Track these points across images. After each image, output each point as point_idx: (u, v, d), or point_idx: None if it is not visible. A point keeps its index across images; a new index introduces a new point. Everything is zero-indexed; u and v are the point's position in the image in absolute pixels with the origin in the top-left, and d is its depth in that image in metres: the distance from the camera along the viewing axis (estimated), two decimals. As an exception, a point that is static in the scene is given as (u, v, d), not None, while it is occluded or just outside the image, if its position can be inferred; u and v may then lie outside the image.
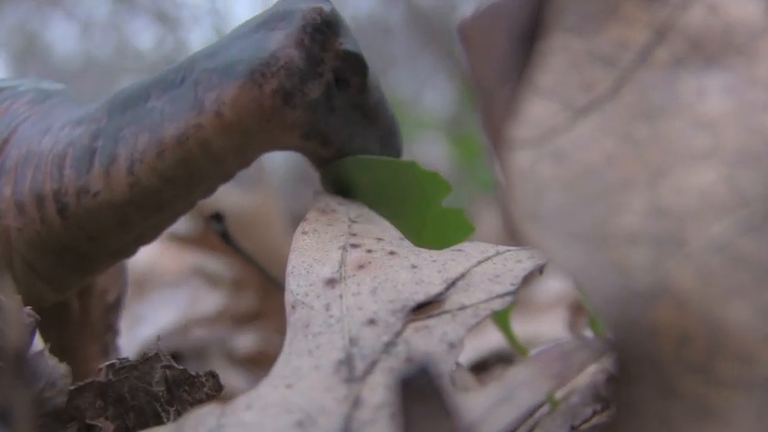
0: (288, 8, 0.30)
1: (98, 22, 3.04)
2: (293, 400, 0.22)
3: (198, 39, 2.90)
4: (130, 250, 0.32)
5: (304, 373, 0.23)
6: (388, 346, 0.24)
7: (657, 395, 0.18)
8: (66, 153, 0.30)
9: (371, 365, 0.23)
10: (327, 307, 0.25)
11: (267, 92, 0.29)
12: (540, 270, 0.26)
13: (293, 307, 0.25)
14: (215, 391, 0.28)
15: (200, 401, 0.28)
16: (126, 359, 0.29)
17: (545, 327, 0.58)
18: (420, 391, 0.18)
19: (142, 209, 0.30)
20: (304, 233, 0.28)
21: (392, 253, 0.28)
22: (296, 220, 0.31)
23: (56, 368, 0.27)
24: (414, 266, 0.27)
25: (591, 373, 0.28)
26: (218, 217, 0.41)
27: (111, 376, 0.28)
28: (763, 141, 0.20)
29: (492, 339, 0.61)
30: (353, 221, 0.30)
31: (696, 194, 0.19)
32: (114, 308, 0.37)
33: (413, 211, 0.32)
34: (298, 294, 0.26)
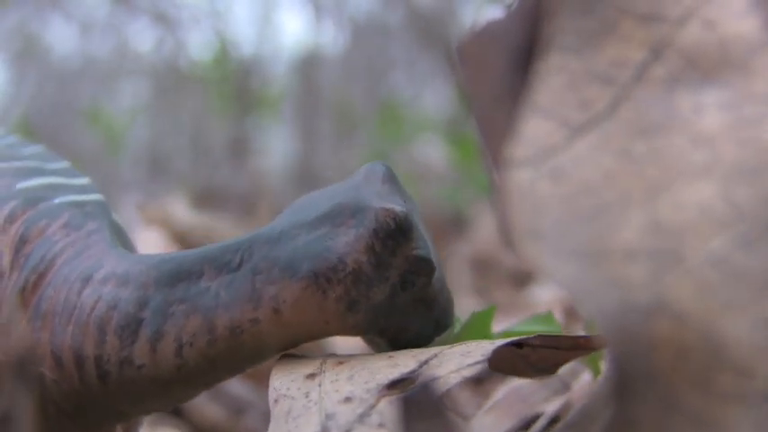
0: (359, 204, 0.28)
1: (97, 23, 3.04)
2: None
3: (197, 40, 2.91)
4: (170, 407, 0.32)
5: None
6: (362, 417, 0.24)
7: (656, 410, 0.18)
8: (111, 317, 0.29)
9: None
10: (307, 394, 0.26)
11: (331, 298, 0.28)
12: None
13: (276, 401, 0.26)
14: None
15: None
16: None
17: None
18: (423, 410, 0.18)
19: (187, 385, 0.30)
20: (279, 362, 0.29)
21: (372, 353, 0.29)
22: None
23: None
24: (390, 357, 0.27)
25: (587, 392, 0.29)
26: None
27: None
28: (760, 157, 0.20)
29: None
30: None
31: (694, 210, 0.19)
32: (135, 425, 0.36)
33: None
34: (280, 390, 0.26)
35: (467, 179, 1.54)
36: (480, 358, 0.26)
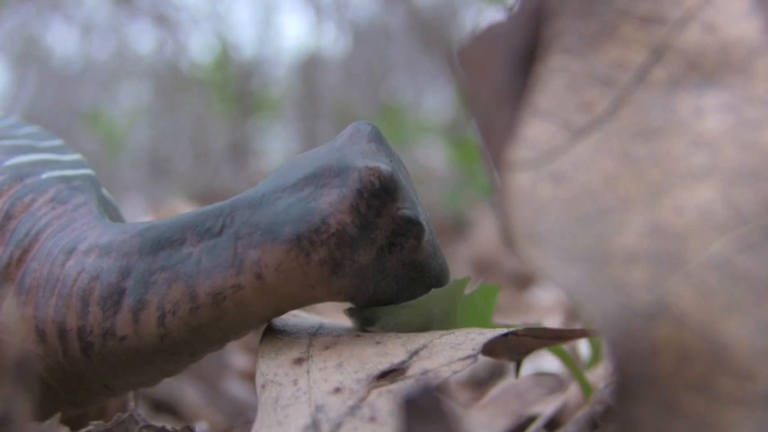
0: (342, 164, 0.27)
1: (98, 25, 3.04)
2: None
3: (198, 42, 2.91)
4: (157, 381, 0.31)
5: None
6: (353, 409, 0.24)
7: (658, 413, 0.18)
8: (93, 288, 0.29)
9: (336, 427, 0.23)
10: (295, 382, 0.25)
11: (314, 261, 0.26)
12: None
13: (263, 387, 0.25)
14: None
15: None
16: (101, 424, 0.28)
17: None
18: (425, 412, 0.18)
19: (172, 356, 0.29)
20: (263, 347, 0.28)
21: (358, 335, 0.28)
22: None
23: None
24: (378, 342, 0.27)
25: (589, 403, 0.28)
26: None
27: None
28: (760, 159, 0.20)
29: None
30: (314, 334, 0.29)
31: (695, 213, 0.19)
32: (125, 401, 0.36)
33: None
34: (267, 375, 0.26)
35: (467, 182, 1.54)
36: (471, 352, 0.25)
